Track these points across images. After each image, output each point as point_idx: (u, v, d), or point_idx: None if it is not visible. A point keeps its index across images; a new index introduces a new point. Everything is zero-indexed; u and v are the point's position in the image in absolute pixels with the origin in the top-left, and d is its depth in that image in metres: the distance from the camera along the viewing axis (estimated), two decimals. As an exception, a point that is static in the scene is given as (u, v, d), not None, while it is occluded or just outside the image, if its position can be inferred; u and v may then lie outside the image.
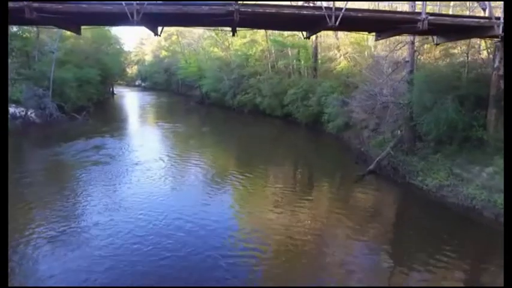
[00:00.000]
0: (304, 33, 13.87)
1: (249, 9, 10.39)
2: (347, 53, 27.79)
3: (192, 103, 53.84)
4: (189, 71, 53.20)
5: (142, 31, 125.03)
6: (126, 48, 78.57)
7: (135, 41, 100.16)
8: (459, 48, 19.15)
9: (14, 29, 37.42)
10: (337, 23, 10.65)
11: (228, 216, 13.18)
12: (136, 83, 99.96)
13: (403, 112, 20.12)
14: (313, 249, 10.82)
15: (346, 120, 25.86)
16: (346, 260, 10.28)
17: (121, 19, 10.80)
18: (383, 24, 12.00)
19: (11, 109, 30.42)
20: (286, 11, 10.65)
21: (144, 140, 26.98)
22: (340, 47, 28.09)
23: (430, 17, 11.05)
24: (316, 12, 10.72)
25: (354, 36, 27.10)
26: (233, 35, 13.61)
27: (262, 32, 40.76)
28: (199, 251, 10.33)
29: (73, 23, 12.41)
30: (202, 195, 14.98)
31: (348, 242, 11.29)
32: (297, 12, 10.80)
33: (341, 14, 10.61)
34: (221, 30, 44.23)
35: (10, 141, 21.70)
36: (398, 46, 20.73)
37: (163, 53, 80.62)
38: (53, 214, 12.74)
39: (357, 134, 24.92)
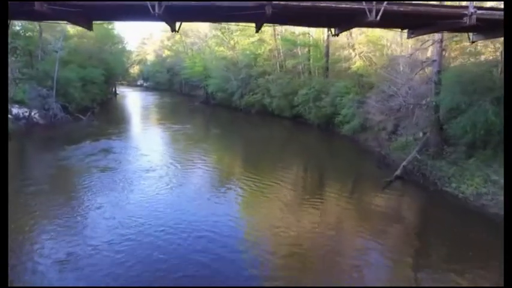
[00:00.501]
0: (333, 30, 12.87)
1: (283, 2, 9.42)
2: (362, 52, 26.79)
3: (197, 103, 52.90)
4: (194, 70, 52.24)
5: (144, 30, 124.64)
6: (127, 47, 77.69)
7: (137, 41, 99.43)
8: (492, 45, 18.12)
9: (16, 27, 36.59)
10: (378, 17, 9.68)
11: (259, 231, 12.09)
12: (138, 83, 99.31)
13: (427, 114, 19.19)
14: (345, 264, 9.90)
15: (362, 121, 24.93)
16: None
17: (139, 13, 9.82)
18: (423, 19, 11.02)
19: (14, 110, 29.48)
20: (322, 4, 9.66)
21: (153, 143, 26.00)
22: (355, 46, 27.09)
23: (478, 11, 10.07)
24: (356, 6, 9.74)
25: (369, 34, 26.12)
26: (257, 31, 12.63)
27: (270, 30, 39.81)
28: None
29: (85, 17, 11.42)
30: (224, 206, 13.90)
31: (387, 259, 10.32)
32: (333, 6, 9.80)
33: (382, 8, 9.64)
34: (228, 28, 43.49)
35: (13, 143, 20.93)
36: (423, 44, 19.64)
37: (166, 52, 79.72)
38: (59, 231, 11.41)
39: (374, 137, 23.94)
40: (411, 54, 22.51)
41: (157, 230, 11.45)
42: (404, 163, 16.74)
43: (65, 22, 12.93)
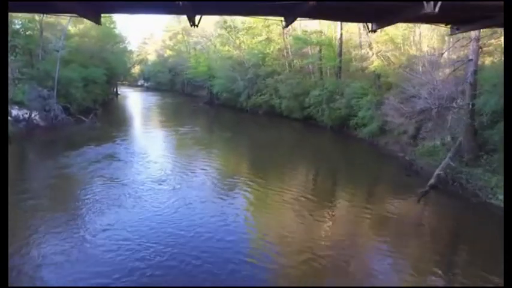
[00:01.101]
0: (369, 26, 11.54)
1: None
2: (380, 51, 25.48)
3: (201, 104, 51.55)
4: (198, 70, 51.00)
5: (145, 30, 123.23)
6: (128, 47, 76.37)
7: (138, 41, 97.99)
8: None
9: (16, 26, 35.30)
10: (437, 9, 8.35)
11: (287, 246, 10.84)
12: (139, 83, 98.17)
13: (458, 117, 17.92)
14: None
15: (381, 124, 23.64)
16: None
17: (161, 5, 8.56)
18: (483, 12, 9.71)
19: (14, 111, 28.11)
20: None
21: (161, 148, 24.50)
22: (373, 45, 25.78)
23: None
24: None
25: (388, 32, 24.81)
26: (286, 26, 11.29)
27: (278, 29, 38.56)
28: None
29: (94, 10, 10.09)
30: (254, 226, 12.40)
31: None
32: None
33: (442, -2, 8.31)
34: (234, 27, 42.20)
35: (13, 147, 19.33)
36: (457, 43, 18.33)
37: (168, 52, 78.49)
38: (60, 259, 9.59)
39: (395, 140, 22.66)
40: (441, 54, 21.24)
41: (179, 261, 9.55)
42: (438, 171, 15.39)
43: (73, 15, 11.55)
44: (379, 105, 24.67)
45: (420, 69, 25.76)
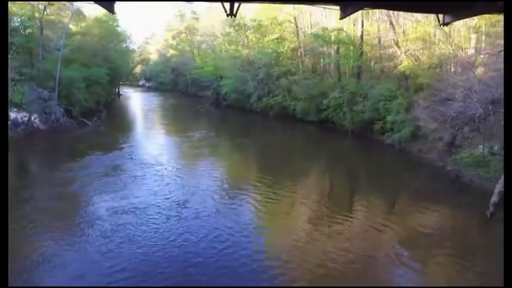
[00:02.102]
0: (441, 17, 9.62)
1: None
2: (409, 50, 23.50)
3: (207, 105, 49.35)
4: (205, 70, 49.01)
5: (147, 30, 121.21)
6: (131, 47, 74.44)
7: (139, 40, 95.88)
8: None
9: (15, 23, 33.34)
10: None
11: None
12: (140, 83, 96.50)
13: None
14: None
15: (413, 130, 21.69)
16: None
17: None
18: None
19: (12, 114, 26.07)
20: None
21: (176, 159, 21.62)
22: (401, 44, 23.81)
23: None
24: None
25: (418, 30, 22.91)
26: (343, 17, 9.39)
27: (291, 27, 36.72)
28: None
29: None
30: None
31: None
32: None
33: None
34: (244, 25, 40.23)
35: (10, 156, 17.36)
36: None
37: (171, 51, 76.54)
38: None
39: (430, 147, 20.70)
40: (479, 52, 19.32)
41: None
42: (500, 187, 13.36)
43: (87, 2, 9.66)
44: (409, 109, 22.80)
45: (452, 69, 23.97)
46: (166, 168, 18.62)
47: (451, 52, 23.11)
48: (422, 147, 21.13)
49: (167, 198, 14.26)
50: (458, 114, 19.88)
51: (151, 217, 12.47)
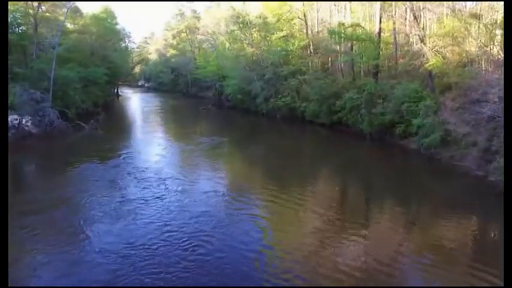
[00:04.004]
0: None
1: None
2: (436, 47, 21.49)
3: (209, 106, 47.22)
4: (207, 70, 46.97)
5: (146, 29, 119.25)
6: (130, 46, 72.47)
7: (138, 40, 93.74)
8: None
9: (9, 19, 31.38)
10: None
11: None
12: (139, 84, 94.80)
13: None
14: None
15: (443, 134, 19.68)
16: None
17: None
18: None
19: (2, 117, 23.94)
20: None
21: (184, 172, 18.55)
22: (426, 40, 21.80)
23: None
24: None
25: (446, 25, 20.94)
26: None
27: (301, 23, 34.82)
28: None
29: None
30: None
31: None
32: None
33: None
34: (249, 22, 38.29)
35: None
36: None
37: (171, 51, 74.67)
38: None
39: (463, 154, 18.65)
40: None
41: None
42: None
43: None
44: (437, 111, 20.80)
45: (483, 67, 22.00)
46: (172, 183, 15.99)
47: (481, 48, 21.20)
48: (454, 153, 19.05)
49: (180, 231, 11.36)
50: (493, 116, 17.97)
51: (154, 259, 9.76)
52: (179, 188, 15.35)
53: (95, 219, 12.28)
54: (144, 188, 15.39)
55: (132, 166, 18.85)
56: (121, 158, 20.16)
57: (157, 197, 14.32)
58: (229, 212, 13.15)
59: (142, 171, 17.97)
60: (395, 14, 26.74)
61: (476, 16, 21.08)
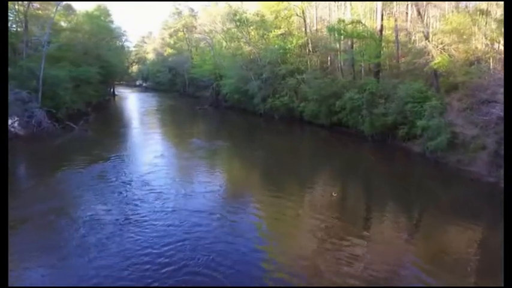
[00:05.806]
0: None
1: None
2: (441, 44, 20.38)
3: (206, 106, 46.04)
4: (203, 69, 45.89)
5: (143, 29, 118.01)
6: (126, 45, 71.44)
7: (136, 39, 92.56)
8: None
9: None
10: None
11: None
12: (137, 83, 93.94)
13: None
14: None
15: (450, 136, 18.56)
16: None
17: None
18: None
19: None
20: None
21: (182, 181, 16.46)
22: (431, 37, 20.70)
23: None
24: None
25: (452, 21, 19.84)
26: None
27: (300, 21, 33.70)
28: None
29: None
30: None
31: None
32: None
33: None
34: (246, 20, 37.22)
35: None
36: None
37: (168, 50, 73.60)
38: None
39: (471, 158, 17.54)
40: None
41: None
42: None
43: None
44: (443, 112, 19.71)
45: (491, 66, 20.92)
46: (168, 196, 14.12)
47: (488, 46, 20.14)
48: (461, 157, 17.94)
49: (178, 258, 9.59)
50: (501, 118, 16.91)
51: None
52: (170, 205, 13.34)
53: (57, 246, 10.26)
54: (127, 203, 13.32)
55: (115, 171, 17.36)
56: (106, 162, 18.74)
57: (163, 214, 12.46)
58: (227, 222, 12.00)
59: (126, 176, 16.50)
60: (396, 12, 25.75)
61: (484, 12, 20.02)
